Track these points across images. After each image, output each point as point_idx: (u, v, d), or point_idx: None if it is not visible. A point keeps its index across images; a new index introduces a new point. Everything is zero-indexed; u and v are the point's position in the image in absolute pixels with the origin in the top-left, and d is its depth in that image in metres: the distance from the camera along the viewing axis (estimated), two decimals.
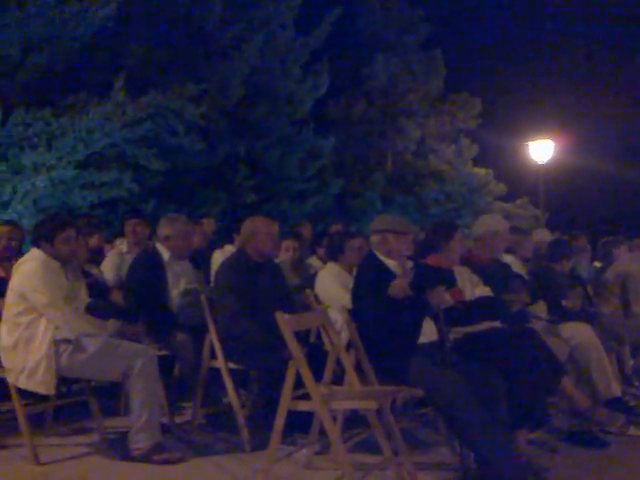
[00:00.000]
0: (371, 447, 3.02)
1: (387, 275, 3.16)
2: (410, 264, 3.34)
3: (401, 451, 2.90)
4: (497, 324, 3.50)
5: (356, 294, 3.26)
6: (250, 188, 9.96)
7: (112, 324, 3.46)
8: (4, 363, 3.23)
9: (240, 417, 3.41)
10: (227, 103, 8.96)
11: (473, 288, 3.57)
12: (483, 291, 3.57)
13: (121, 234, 5.62)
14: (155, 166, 7.87)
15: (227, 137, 9.46)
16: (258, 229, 3.74)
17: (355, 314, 3.19)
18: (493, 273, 3.77)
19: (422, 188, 15.41)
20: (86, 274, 4.14)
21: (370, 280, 3.14)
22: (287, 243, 5.04)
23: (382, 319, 3.06)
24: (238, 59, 8.86)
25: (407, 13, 16.01)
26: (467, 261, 3.73)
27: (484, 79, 18.32)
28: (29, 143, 6.70)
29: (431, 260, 3.51)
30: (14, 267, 3.41)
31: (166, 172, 8.33)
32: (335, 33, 11.07)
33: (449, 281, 3.29)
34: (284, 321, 2.72)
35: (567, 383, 3.63)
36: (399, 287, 3.05)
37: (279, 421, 2.69)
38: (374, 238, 3.31)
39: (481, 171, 16.59)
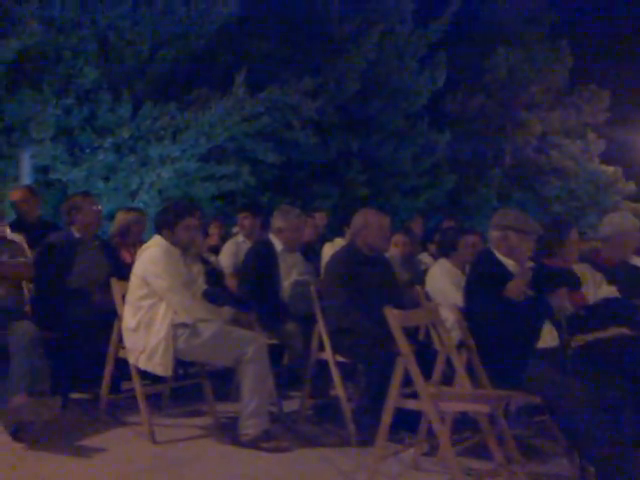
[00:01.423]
0: (481, 453, 2.90)
1: (504, 274, 3.01)
2: (529, 264, 3.17)
3: (514, 459, 2.76)
4: (625, 330, 3.25)
5: (469, 292, 3.13)
6: (362, 182, 9.95)
7: (226, 311, 3.56)
8: (126, 344, 3.41)
9: (347, 411, 3.40)
10: (342, 98, 8.98)
11: (596, 288, 3.34)
12: (608, 291, 3.33)
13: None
14: (271, 159, 8.05)
15: (341, 131, 9.49)
16: (369, 222, 3.71)
17: (467, 313, 3.08)
18: (622, 275, 3.50)
19: (543, 185, 14.68)
20: (204, 261, 4.31)
21: (485, 278, 3.00)
22: (398, 238, 4.98)
23: (497, 320, 2.93)
24: (355, 53, 8.85)
25: (531, 2, 15.29)
26: (593, 263, 3.49)
27: (614, 70, 17.11)
28: (156, 136, 7.05)
29: (549, 260, 3.31)
30: (138, 252, 3.59)
31: (281, 166, 8.50)
32: (454, 25, 10.78)
33: (572, 283, 3.08)
34: (393, 316, 2.66)
35: None
36: (516, 288, 2.90)
37: (386, 418, 2.64)
38: (494, 234, 3.15)
39: (609, 169, 15.55)
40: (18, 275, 3.72)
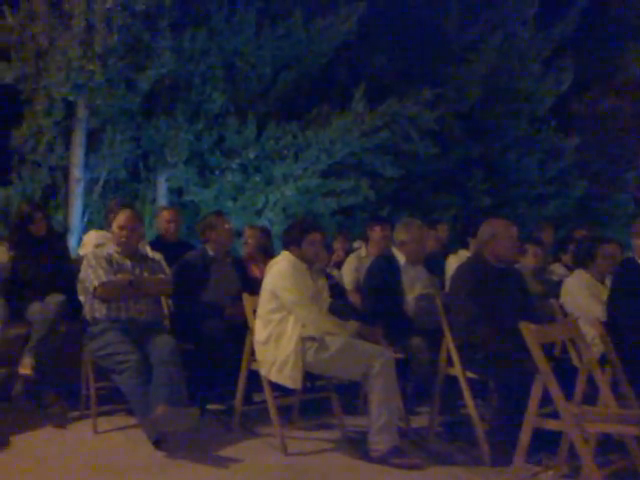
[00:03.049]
0: (629, 477, 2.69)
1: None
2: None
3: None
4: None
5: (613, 305, 2.93)
6: (485, 192, 9.64)
7: (352, 325, 3.58)
8: (258, 356, 3.52)
9: (479, 429, 3.29)
10: (462, 106, 8.80)
11: None
12: None
13: (359, 239, 5.83)
14: (390, 173, 8.03)
15: (461, 140, 9.29)
16: (497, 232, 3.58)
17: (611, 327, 2.88)
18: None
19: None
20: (327, 276, 4.36)
21: (632, 290, 2.80)
22: (528, 248, 4.77)
23: None
24: (476, 61, 8.65)
25: None
26: None
27: None
28: (279, 156, 7.28)
29: None
30: (267, 267, 3.70)
31: (400, 178, 8.45)
32: (581, 23, 10.23)
33: None
34: (530, 332, 2.54)
35: None
36: None
37: (524, 438, 2.53)
38: (638, 243, 2.94)
39: None
40: (159, 291, 3.95)
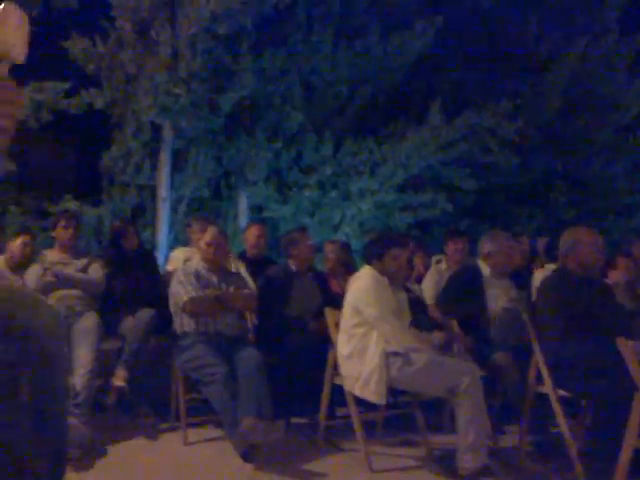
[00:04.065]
0: None
1: None
2: None
3: None
4: None
5: None
6: (568, 203, 9.34)
7: (436, 336, 3.54)
8: (342, 371, 3.53)
9: (572, 449, 3.16)
10: (543, 117, 8.57)
11: None
12: None
13: (439, 252, 5.76)
14: (468, 186, 7.91)
15: (543, 151, 9.04)
16: (579, 239, 3.47)
17: None
18: None
19: None
20: (407, 291, 4.33)
21: None
22: (618, 261, 4.58)
23: None
24: (557, 70, 8.43)
25: None
26: None
27: None
28: (356, 171, 7.32)
29: None
30: (349, 282, 3.72)
31: (479, 190, 8.31)
32: None
33: None
34: (628, 348, 2.44)
35: None
36: None
37: (624, 458, 2.42)
38: None
39: None
40: (244, 306, 4.05)
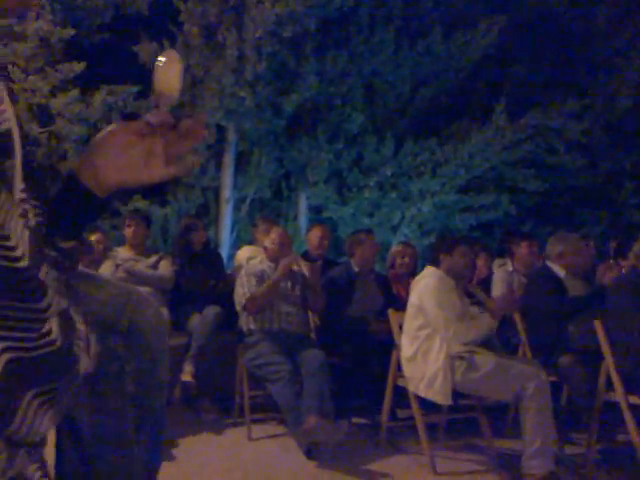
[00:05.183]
0: None
1: None
2: None
3: None
4: None
5: None
6: (637, 206, 9.03)
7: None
8: (405, 372, 3.53)
9: None
10: (612, 116, 8.31)
11: None
12: None
13: (499, 255, 5.67)
14: (533, 187, 7.76)
15: (610, 151, 8.77)
16: None
17: None
18: None
19: None
20: (470, 295, 4.29)
21: None
22: None
23: None
24: (626, 68, 8.16)
25: None
26: None
27: None
28: (416, 172, 7.30)
29: None
30: (413, 283, 3.72)
31: (543, 192, 8.14)
32: None
33: None
34: None
35: None
36: None
37: None
38: None
39: None
40: (309, 306, 4.11)
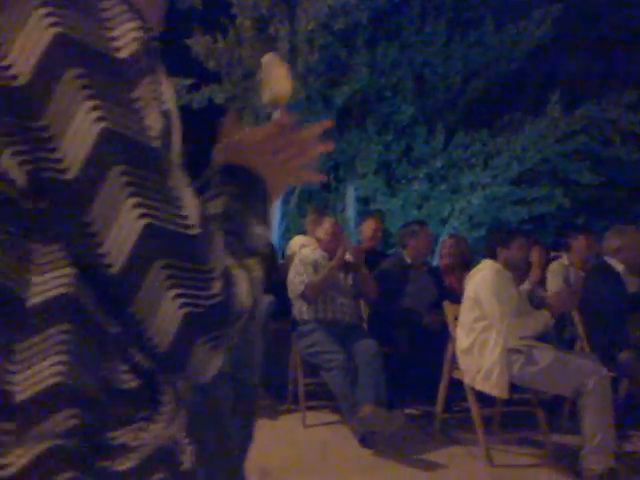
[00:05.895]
0: None
1: None
2: None
3: None
4: None
5: None
6: None
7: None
8: (461, 365, 3.52)
9: None
10: None
11: None
12: None
13: (554, 248, 5.58)
14: (587, 179, 7.59)
15: None
16: None
17: None
18: None
19: None
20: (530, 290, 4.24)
21: None
22: None
23: None
24: None
25: None
26: None
27: None
28: (467, 164, 7.21)
29: None
30: (469, 276, 3.70)
31: (597, 185, 7.95)
32: None
33: None
34: None
35: None
36: None
37: None
38: None
39: None
40: (361, 295, 4.12)
